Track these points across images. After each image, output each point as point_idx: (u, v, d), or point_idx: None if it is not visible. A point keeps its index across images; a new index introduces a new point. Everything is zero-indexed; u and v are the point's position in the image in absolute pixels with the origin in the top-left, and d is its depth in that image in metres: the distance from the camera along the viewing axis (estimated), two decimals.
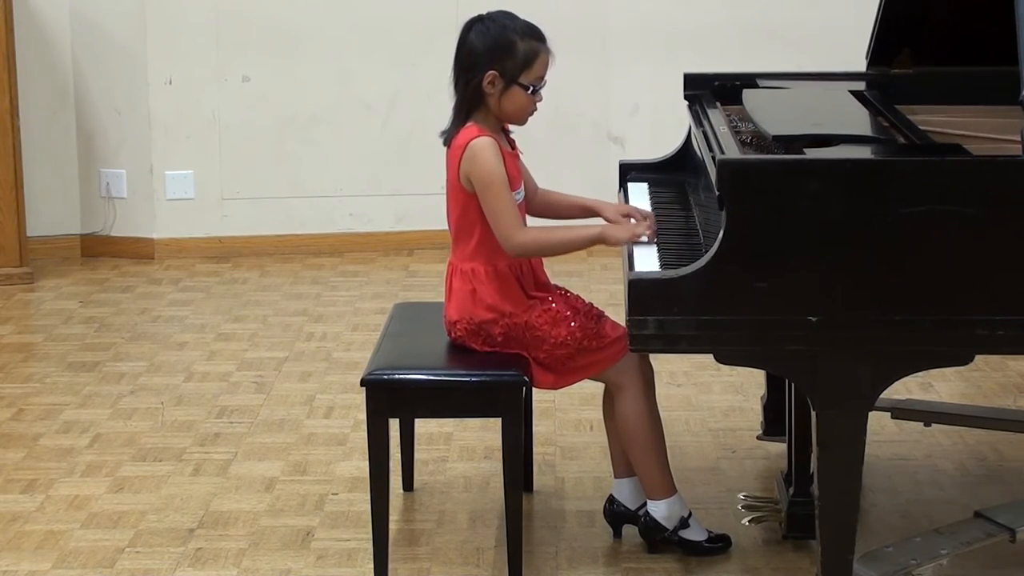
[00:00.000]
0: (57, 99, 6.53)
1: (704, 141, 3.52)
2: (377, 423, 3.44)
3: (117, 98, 6.56)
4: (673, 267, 3.15)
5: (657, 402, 3.58)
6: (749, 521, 3.65)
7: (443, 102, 3.58)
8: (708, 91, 4.02)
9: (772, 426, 4.12)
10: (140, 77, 6.51)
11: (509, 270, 3.51)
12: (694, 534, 3.60)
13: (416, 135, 6.52)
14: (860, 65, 4.08)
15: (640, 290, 3.01)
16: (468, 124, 3.49)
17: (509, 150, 3.55)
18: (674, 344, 3.04)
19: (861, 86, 3.98)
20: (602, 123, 6.70)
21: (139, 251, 6.59)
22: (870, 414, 3.08)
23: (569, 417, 4.54)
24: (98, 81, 6.55)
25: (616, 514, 3.68)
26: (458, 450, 4.30)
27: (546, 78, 3.50)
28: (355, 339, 5.38)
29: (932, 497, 3.95)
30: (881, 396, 3.07)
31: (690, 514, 3.60)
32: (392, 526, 3.60)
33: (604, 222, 3.60)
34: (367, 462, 3.46)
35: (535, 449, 4.07)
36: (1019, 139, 3.10)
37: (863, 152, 3.19)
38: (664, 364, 4.66)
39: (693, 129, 3.84)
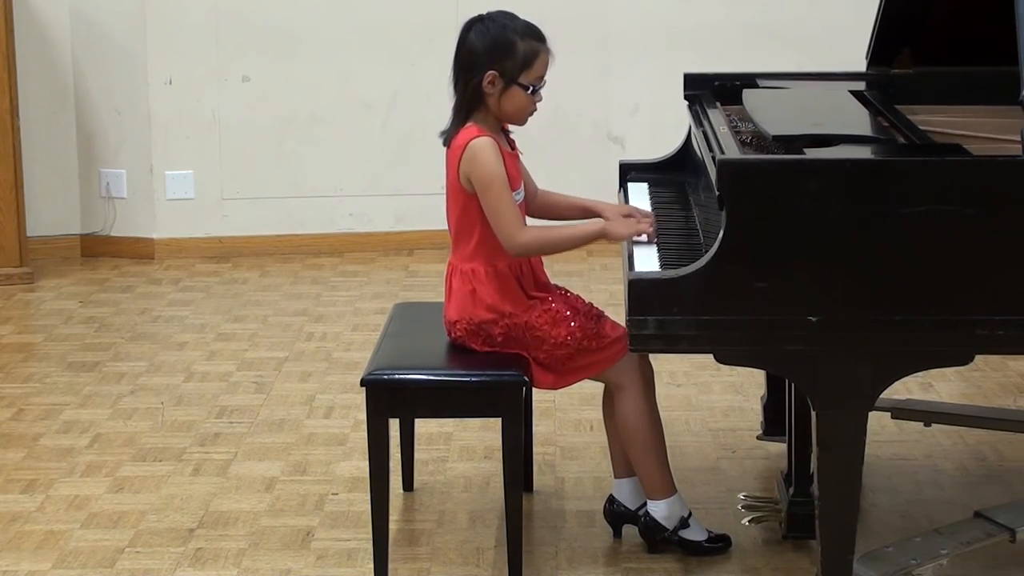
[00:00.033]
0: (57, 99, 6.53)
1: (704, 141, 3.52)
2: (377, 423, 3.44)
3: (117, 98, 6.56)
4: (673, 267, 3.15)
5: (657, 402, 3.58)
6: (749, 521, 3.65)
7: (443, 102, 3.58)
8: (708, 91, 4.02)
9: (772, 426, 4.12)
10: (140, 77, 6.51)
11: (509, 270, 3.51)
12: (694, 534, 3.60)
13: (416, 135, 6.52)
14: (860, 65, 4.08)
15: (640, 290, 3.01)
16: (468, 124, 3.48)
17: (509, 150, 3.55)
18: (674, 344, 3.04)
19: (861, 86, 3.98)
20: (602, 123, 6.70)
21: (139, 251, 6.59)
22: (870, 414, 3.08)
23: (569, 417, 4.54)
24: (98, 81, 6.55)
25: (616, 514, 3.68)
26: (458, 450, 4.30)
27: (546, 78, 3.50)
28: (355, 339, 5.38)
29: (932, 497, 3.95)
30: (881, 396, 3.07)
31: (690, 514, 3.60)
32: (392, 526, 3.60)
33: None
34: (367, 462, 3.46)
35: (535, 449, 4.07)
36: (1019, 139, 3.10)
37: (863, 152, 3.19)
38: (664, 364, 4.66)
39: (693, 129, 3.84)
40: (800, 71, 4.47)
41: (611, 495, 3.69)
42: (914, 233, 2.96)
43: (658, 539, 3.61)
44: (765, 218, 2.98)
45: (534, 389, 3.60)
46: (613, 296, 5.60)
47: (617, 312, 3.43)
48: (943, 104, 3.82)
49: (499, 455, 3.85)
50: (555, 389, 3.61)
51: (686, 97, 4.06)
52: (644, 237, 3.45)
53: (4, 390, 4.87)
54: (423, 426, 4.26)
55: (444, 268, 3.61)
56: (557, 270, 4.06)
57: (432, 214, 5.91)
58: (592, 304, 3.59)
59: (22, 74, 6.21)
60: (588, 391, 4.11)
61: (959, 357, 3.06)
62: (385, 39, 6.57)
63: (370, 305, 5.84)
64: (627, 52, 6.64)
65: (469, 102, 3.48)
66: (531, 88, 3.47)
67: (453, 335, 3.56)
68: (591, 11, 6.60)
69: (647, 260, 3.33)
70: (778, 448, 4.10)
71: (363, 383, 3.44)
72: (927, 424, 4.19)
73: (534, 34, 3.48)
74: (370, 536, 3.46)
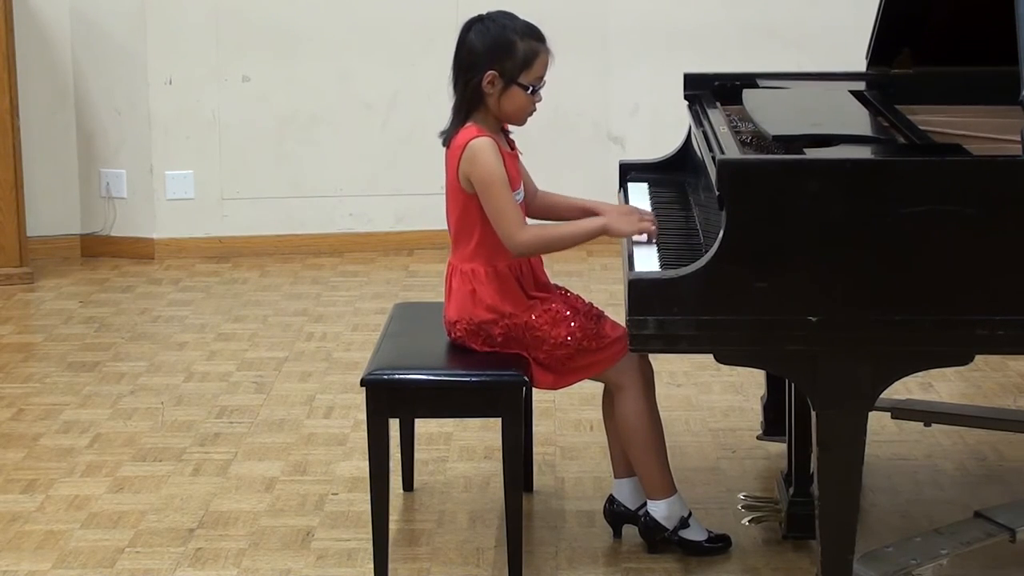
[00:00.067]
0: (57, 99, 6.53)
1: (704, 141, 3.52)
2: (377, 423, 3.44)
3: (117, 98, 6.56)
4: (673, 267, 3.15)
5: (657, 402, 3.58)
6: (749, 521, 3.65)
7: (443, 102, 3.58)
8: (708, 91, 4.01)
9: (772, 426, 4.12)
10: (140, 77, 6.51)
11: (509, 270, 3.51)
12: (694, 534, 3.60)
13: (416, 135, 6.52)
14: (860, 65, 4.08)
15: (640, 290, 3.01)
16: (467, 124, 3.48)
17: (508, 150, 3.55)
18: (674, 344, 3.04)
19: (861, 86, 3.98)
20: (602, 123, 6.70)
21: (139, 251, 6.59)
22: (870, 414, 3.08)
23: (569, 417, 4.54)
24: (98, 81, 6.55)
25: (616, 514, 3.68)
26: (458, 450, 4.30)
27: (545, 78, 3.50)
28: (355, 339, 5.38)
29: (932, 497, 3.95)
30: (881, 396, 3.07)
31: (690, 514, 3.60)
32: (392, 526, 3.60)
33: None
34: (367, 462, 3.46)
35: (535, 449, 4.07)
36: (1019, 139, 3.10)
37: (863, 152, 3.19)
38: (664, 364, 4.66)
39: (693, 129, 3.84)
40: (800, 71, 4.47)
41: (611, 495, 3.69)
42: (914, 233, 2.96)
43: (658, 539, 3.61)
44: (765, 218, 2.98)
45: (534, 389, 3.60)
46: (613, 296, 5.60)
47: (617, 312, 3.42)
48: (943, 104, 3.82)
49: (499, 455, 3.85)
50: (555, 389, 3.61)
51: (686, 97, 4.06)
52: (644, 237, 3.45)
53: (4, 390, 4.87)
54: (423, 426, 4.26)
55: (444, 268, 3.61)
56: (557, 270, 4.06)
57: (432, 214, 5.91)
58: (592, 304, 3.59)
59: (22, 74, 6.21)
60: (588, 391, 4.11)
61: (959, 357, 3.06)
62: (385, 39, 6.58)
63: (370, 305, 5.84)
64: (627, 52, 6.64)
65: (469, 102, 3.48)
66: (531, 88, 3.47)
67: (453, 335, 3.56)
68: (591, 11, 6.60)
69: (647, 260, 3.33)
70: (778, 448, 4.10)
71: (363, 383, 3.44)
72: (927, 424, 4.19)
73: (534, 34, 3.48)
74: (370, 536, 3.46)
